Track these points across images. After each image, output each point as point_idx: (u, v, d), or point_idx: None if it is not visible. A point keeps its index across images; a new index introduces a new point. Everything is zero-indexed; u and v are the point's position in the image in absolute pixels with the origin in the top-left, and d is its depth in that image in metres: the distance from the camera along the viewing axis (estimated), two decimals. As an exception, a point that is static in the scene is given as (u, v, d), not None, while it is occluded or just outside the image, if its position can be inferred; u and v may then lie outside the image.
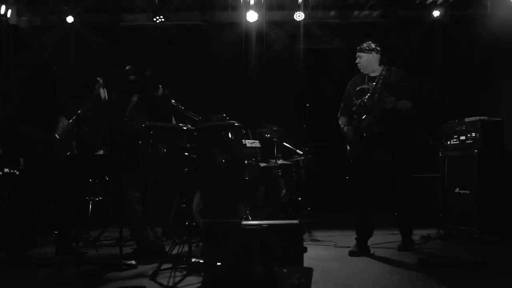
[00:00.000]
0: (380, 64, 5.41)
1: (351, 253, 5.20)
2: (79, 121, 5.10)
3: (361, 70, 5.46)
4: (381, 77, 5.23)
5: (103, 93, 5.32)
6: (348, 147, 5.54)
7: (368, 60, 5.39)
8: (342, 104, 5.68)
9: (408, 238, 5.40)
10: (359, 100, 5.36)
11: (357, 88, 5.45)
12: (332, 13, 9.03)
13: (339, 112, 5.69)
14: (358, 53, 5.43)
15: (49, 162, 5.04)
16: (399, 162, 5.30)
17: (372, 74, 5.40)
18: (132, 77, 5.15)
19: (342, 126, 5.56)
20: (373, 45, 5.41)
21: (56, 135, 5.18)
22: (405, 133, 5.38)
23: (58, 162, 5.10)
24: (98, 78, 5.26)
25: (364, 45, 5.41)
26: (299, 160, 7.49)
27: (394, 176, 5.33)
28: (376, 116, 5.19)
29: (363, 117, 5.27)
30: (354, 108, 5.42)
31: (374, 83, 5.27)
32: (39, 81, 5.26)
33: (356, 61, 5.44)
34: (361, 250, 5.25)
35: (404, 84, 5.23)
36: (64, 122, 5.35)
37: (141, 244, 5.08)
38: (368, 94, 5.27)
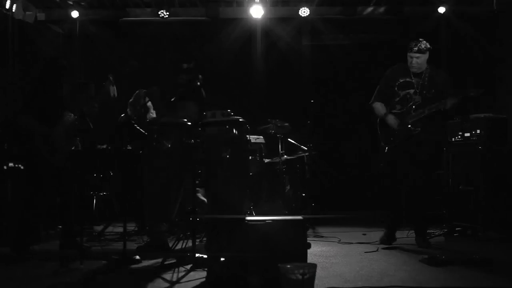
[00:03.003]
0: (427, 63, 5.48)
1: (382, 241, 5.50)
2: (84, 117, 5.11)
3: (414, 70, 5.41)
4: (427, 75, 5.38)
5: (113, 90, 5.32)
6: (381, 134, 5.56)
7: (425, 60, 5.41)
8: (378, 91, 5.65)
9: (426, 232, 5.47)
10: (404, 92, 5.42)
11: (401, 80, 5.46)
12: (337, 9, 8.99)
13: (373, 98, 5.65)
14: (416, 54, 5.35)
15: (49, 157, 5.04)
16: (429, 158, 5.41)
17: (417, 71, 5.43)
18: (185, 65, 5.20)
19: (382, 112, 5.53)
20: (428, 45, 5.41)
21: (59, 130, 5.17)
22: (442, 131, 5.55)
23: (58, 157, 5.10)
24: (108, 75, 5.26)
25: (422, 45, 5.36)
26: (303, 156, 7.48)
27: (419, 171, 5.37)
28: (426, 112, 5.24)
29: (412, 111, 5.33)
30: (397, 99, 5.46)
31: (419, 79, 5.39)
32: (44, 75, 5.26)
33: (413, 62, 5.37)
34: (390, 239, 5.49)
35: (448, 89, 5.29)
36: (69, 117, 5.35)
37: (155, 240, 5.07)
38: (415, 90, 5.38)
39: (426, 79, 5.37)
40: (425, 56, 5.39)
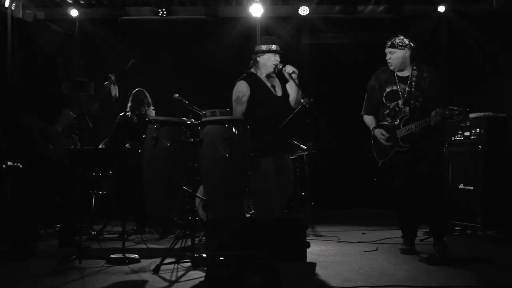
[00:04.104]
0: (411, 62, 5.04)
1: (402, 251, 5.04)
2: (83, 115, 5.10)
3: (392, 68, 5.02)
4: (414, 79, 4.95)
5: (114, 90, 5.31)
6: (374, 148, 5.20)
7: (402, 57, 4.97)
8: (366, 102, 5.27)
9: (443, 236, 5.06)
10: (393, 104, 5.01)
11: (388, 90, 5.04)
12: (337, 7, 8.98)
13: (363, 110, 5.29)
14: (389, 49, 4.99)
15: (48, 154, 5.03)
16: (429, 159, 4.96)
17: (401, 74, 5.03)
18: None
19: (371, 127, 5.19)
20: (406, 41, 4.99)
21: (58, 128, 5.16)
22: (438, 142, 5.23)
23: (58, 155, 5.09)
24: (110, 75, 5.25)
25: (397, 40, 4.98)
26: (303, 155, 7.47)
27: (420, 175, 4.94)
28: (414, 128, 4.84)
29: (401, 126, 4.93)
30: (386, 111, 5.07)
31: (406, 86, 4.96)
32: (43, 74, 5.25)
33: (387, 58, 5.02)
34: (410, 248, 5.05)
35: (439, 90, 4.93)
36: (68, 116, 5.33)
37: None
38: (403, 100, 4.95)
39: (413, 84, 4.93)
40: (402, 53, 4.96)
